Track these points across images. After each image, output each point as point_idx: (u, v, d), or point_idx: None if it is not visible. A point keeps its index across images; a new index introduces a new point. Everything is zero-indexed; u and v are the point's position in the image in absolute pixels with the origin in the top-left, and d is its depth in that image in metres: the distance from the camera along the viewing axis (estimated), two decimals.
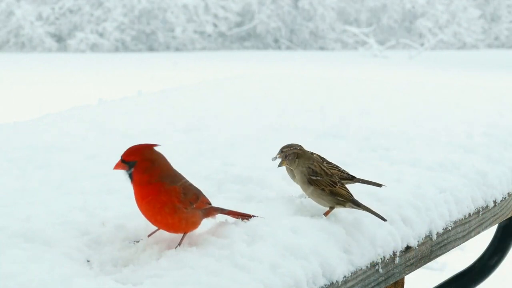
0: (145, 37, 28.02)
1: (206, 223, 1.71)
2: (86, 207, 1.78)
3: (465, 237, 2.19)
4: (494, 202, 2.32)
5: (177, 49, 27.82)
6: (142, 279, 1.48)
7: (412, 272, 1.98)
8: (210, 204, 1.68)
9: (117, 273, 1.51)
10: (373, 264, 1.78)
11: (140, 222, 1.69)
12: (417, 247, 1.95)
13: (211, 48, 28.43)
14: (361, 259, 1.75)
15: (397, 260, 1.87)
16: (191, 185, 1.65)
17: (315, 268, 1.62)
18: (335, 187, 1.80)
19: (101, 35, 27.44)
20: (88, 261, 1.55)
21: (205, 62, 21.79)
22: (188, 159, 2.32)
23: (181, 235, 1.62)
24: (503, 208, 2.40)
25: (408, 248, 1.91)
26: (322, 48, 29.28)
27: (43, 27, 27.25)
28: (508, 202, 2.43)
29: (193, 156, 2.36)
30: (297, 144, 1.89)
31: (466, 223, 2.17)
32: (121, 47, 27.63)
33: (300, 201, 1.89)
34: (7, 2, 27.02)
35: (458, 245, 2.16)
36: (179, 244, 1.60)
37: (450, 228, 2.08)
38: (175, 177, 1.63)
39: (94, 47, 27.16)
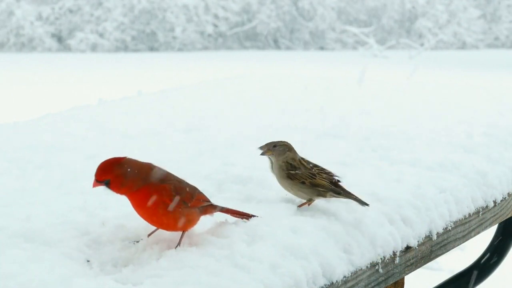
0: (145, 37, 28.03)
1: (206, 223, 1.71)
2: (86, 207, 1.78)
3: (465, 237, 2.19)
4: (494, 202, 2.32)
5: (177, 49, 27.82)
6: (142, 279, 1.48)
7: (412, 272, 1.98)
8: (208, 201, 1.68)
9: (117, 273, 1.51)
10: (373, 264, 1.79)
11: (140, 222, 1.69)
12: (417, 247, 1.95)
13: (211, 48, 28.44)
14: (361, 259, 1.74)
15: (397, 260, 1.87)
16: (183, 183, 1.65)
17: (315, 268, 1.62)
18: (315, 178, 1.83)
19: (101, 35, 27.44)
20: (88, 261, 1.55)
21: (205, 62, 21.80)
22: (188, 159, 2.32)
23: (180, 233, 1.62)
24: (503, 208, 2.40)
25: (408, 248, 1.91)
26: (322, 48, 29.28)
27: (43, 27, 27.26)
28: (508, 202, 2.43)
29: (193, 156, 2.36)
30: (287, 142, 1.91)
31: (466, 223, 2.17)
32: (121, 47, 27.63)
33: (300, 201, 1.89)
34: (7, 2, 27.03)
35: (458, 245, 2.16)
36: (179, 244, 1.60)
37: (450, 228, 2.08)
38: (165, 176, 1.63)
39: (94, 47, 27.16)
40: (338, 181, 1.86)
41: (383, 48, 26.46)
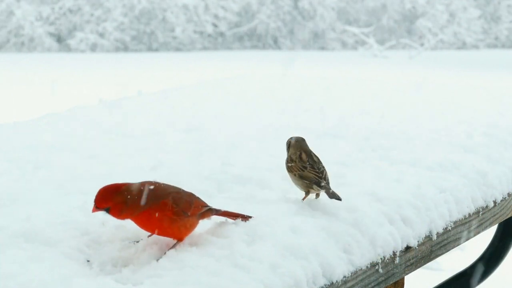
0: (145, 37, 28.02)
1: (206, 223, 1.71)
2: (86, 207, 1.78)
3: (465, 237, 2.19)
4: (494, 202, 2.32)
5: (177, 49, 27.82)
6: (142, 279, 1.48)
7: (412, 272, 1.98)
8: (206, 206, 1.68)
9: (117, 273, 1.51)
10: (373, 264, 1.78)
11: None
12: (417, 247, 1.95)
13: (211, 48, 28.44)
14: (361, 259, 1.74)
15: (397, 260, 1.87)
16: (180, 193, 1.65)
17: (315, 268, 1.62)
18: (303, 171, 1.86)
19: (101, 35, 27.44)
20: (88, 261, 1.55)
21: (205, 62, 21.79)
22: (188, 159, 2.32)
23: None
24: (503, 208, 2.40)
25: (408, 248, 1.91)
26: (322, 48, 29.28)
27: (43, 27, 27.26)
28: (508, 202, 2.43)
29: (193, 156, 2.36)
30: (299, 137, 1.95)
31: (466, 223, 2.17)
32: (121, 47, 27.63)
33: (300, 201, 1.89)
34: (7, 2, 27.03)
35: (458, 245, 2.16)
36: (173, 247, 1.60)
37: (450, 228, 2.08)
38: (162, 191, 1.63)
39: (94, 47, 27.16)
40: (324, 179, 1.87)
41: (383, 48, 26.46)
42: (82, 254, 1.56)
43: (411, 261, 1.94)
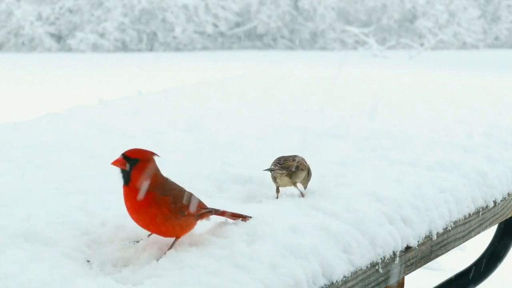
0: (145, 37, 28.03)
1: (206, 224, 1.71)
2: (86, 207, 1.78)
3: (465, 237, 2.19)
4: (494, 202, 2.32)
5: (177, 49, 27.82)
6: (142, 279, 1.48)
7: (412, 272, 1.98)
8: (205, 208, 1.67)
9: (117, 273, 1.51)
10: (373, 264, 1.79)
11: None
12: (417, 247, 1.95)
13: (211, 48, 28.44)
14: (361, 259, 1.75)
15: (397, 260, 1.87)
16: (182, 191, 1.64)
17: (315, 268, 1.62)
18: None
19: (101, 35, 27.44)
20: (88, 261, 1.55)
21: (205, 62, 21.79)
22: (188, 159, 2.32)
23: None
24: (503, 208, 2.40)
25: (408, 248, 1.91)
26: (322, 48, 29.29)
27: (43, 27, 27.25)
28: (508, 202, 2.43)
29: (193, 156, 2.36)
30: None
31: (466, 223, 2.17)
32: (121, 47, 27.63)
33: (300, 201, 1.89)
34: (7, 2, 27.03)
35: (458, 245, 2.16)
36: (171, 247, 1.60)
37: (450, 228, 2.08)
38: (166, 186, 1.62)
39: (94, 47, 27.16)
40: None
41: (383, 48, 26.46)
42: (82, 254, 1.56)
43: (411, 261, 1.94)
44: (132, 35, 27.74)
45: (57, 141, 2.54)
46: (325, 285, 1.63)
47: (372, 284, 1.79)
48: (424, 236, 1.98)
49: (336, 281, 1.66)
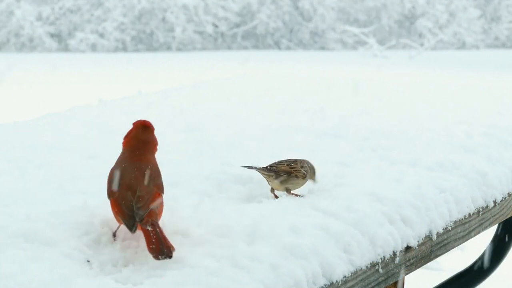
0: (145, 37, 28.02)
1: (206, 224, 1.71)
2: (86, 207, 1.78)
3: (465, 237, 2.19)
4: (494, 202, 2.32)
5: (177, 49, 27.82)
6: (142, 279, 1.48)
7: (412, 272, 1.98)
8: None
9: (117, 273, 1.51)
10: (373, 264, 1.79)
11: None
12: (417, 247, 1.95)
13: (211, 48, 28.44)
14: (361, 259, 1.75)
15: (397, 260, 1.87)
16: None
17: (315, 268, 1.62)
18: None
19: (101, 35, 27.44)
20: (88, 261, 1.55)
21: (205, 62, 21.79)
22: (188, 159, 2.32)
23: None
24: (503, 208, 2.40)
25: (408, 248, 1.91)
26: (322, 48, 29.29)
27: (43, 27, 27.25)
28: (508, 202, 2.43)
29: (193, 156, 2.36)
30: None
31: (466, 223, 2.17)
32: (121, 47, 27.63)
33: (300, 201, 1.89)
34: (7, 2, 27.03)
35: (458, 245, 2.16)
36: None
37: (450, 228, 2.08)
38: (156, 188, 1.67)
39: (94, 47, 27.16)
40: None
41: (383, 48, 26.46)
42: (82, 254, 1.56)
43: (411, 261, 1.94)
44: (132, 35, 27.74)
45: (57, 141, 2.54)
46: (325, 285, 1.63)
47: (372, 284, 1.79)
48: (424, 236, 1.98)
49: (336, 281, 1.66)
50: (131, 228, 1.58)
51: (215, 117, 3.01)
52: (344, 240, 1.74)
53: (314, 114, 3.05)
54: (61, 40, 27.77)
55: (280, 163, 1.96)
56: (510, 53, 28.53)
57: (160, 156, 2.31)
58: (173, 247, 1.53)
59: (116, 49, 27.47)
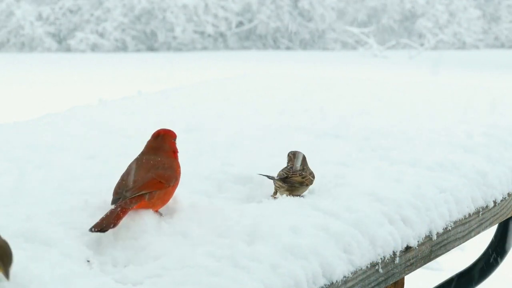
0: (145, 37, 28.03)
1: (206, 223, 1.71)
2: (86, 207, 1.78)
3: (465, 237, 2.19)
4: (494, 202, 2.32)
5: (177, 49, 27.82)
6: (142, 279, 1.48)
7: (412, 272, 1.98)
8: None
9: (117, 273, 1.51)
10: (373, 264, 1.79)
11: (141, 222, 1.69)
12: (417, 247, 1.95)
13: (211, 48, 28.44)
14: (361, 259, 1.75)
15: (397, 260, 1.87)
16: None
17: (315, 268, 1.62)
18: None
19: (101, 35, 27.44)
20: (88, 261, 1.55)
21: (205, 62, 21.79)
22: (188, 159, 2.32)
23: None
24: (503, 208, 2.40)
25: (408, 248, 1.91)
26: (322, 48, 29.29)
27: (43, 27, 27.26)
28: (508, 202, 2.43)
29: (193, 156, 2.36)
30: (290, 153, 2.05)
31: (466, 223, 2.17)
32: (121, 47, 27.64)
33: (300, 201, 1.89)
34: (7, 2, 27.03)
35: (458, 245, 2.16)
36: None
37: (450, 228, 2.08)
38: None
39: (94, 47, 27.16)
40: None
41: (383, 48, 26.46)
42: (82, 254, 1.56)
43: (411, 261, 1.94)
44: (132, 35, 27.75)
45: (57, 141, 2.54)
46: (325, 285, 1.63)
47: (372, 284, 1.79)
48: (424, 236, 1.98)
49: (336, 281, 1.66)
50: (112, 203, 1.70)
51: (215, 117, 3.01)
52: (344, 240, 1.74)
53: (314, 114, 3.05)
54: (61, 40, 27.77)
55: (293, 173, 1.97)
56: (510, 53, 28.53)
57: None
58: (114, 224, 1.61)
59: (116, 49, 27.47)
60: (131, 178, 1.73)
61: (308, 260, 1.62)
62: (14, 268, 1.45)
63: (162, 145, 1.84)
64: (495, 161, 2.45)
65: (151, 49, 27.90)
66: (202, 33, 28.33)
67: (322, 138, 2.61)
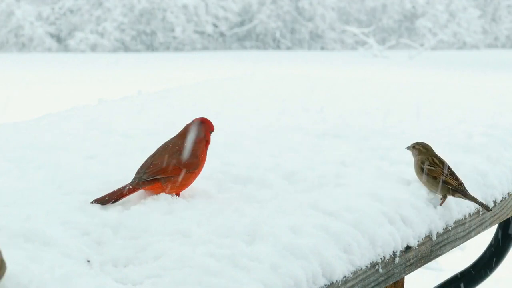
0: (145, 37, 28.03)
1: (206, 223, 1.71)
2: (86, 207, 1.78)
3: (465, 237, 2.19)
4: (494, 202, 2.32)
5: (177, 49, 27.82)
6: (142, 279, 1.48)
7: (412, 272, 1.98)
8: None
9: (117, 273, 1.51)
10: (373, 264, 1.79)
11: (141, 222, 1.69)
12: (417, 247, 1.95)
13: (211, 48, 28.44)
14: (361, 259, 1.74)
15: (397, 260, 1.87)
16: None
17: (315, 268, 1.62)
18: (446, 176, 2.04)
19: (101, 35, 27.45)
20: (88, 261, 1.55)
21: (205, 62, 21.79)
22: None
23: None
24: (503, 208, 2.40)
25: (408, 248, 1.91)
26: (322, 48, 29.29)
27: (43, 27, 27.26)
28: (508, 202, 2.43)
29: None
30: (426, 144, 2.12)
31: (466, 223, 2.17)
32: (121, 47, 27.64)
33: (300, 201, 1.89)
34: (7, 2, 27.03)
35: (458, 245, 2.16)
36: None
37: (450, 228, 2.08)
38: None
39: (94, 47, 27.17)
40: (462, 184, 2.07)
41: (383, 48, 26.46)
42: (82, 254, 1.56)
43: (411, 261, 1.94)
44: (132, 35, 27.75)
45: (57, 141, 2.54)
46: (325, 285, 1.63)
47: (372, 284, 1.79)
48: (424, 236, 1.98)
49: (336, 281, 1.66)
50: (131, 182, 1.82)
51: (215, 117, 3.01)
52: (344, 240, 1.74)
53: (314, 114, 3.05)
54: (61, 40, 27.77)
55: (451, 174, 2.06)
56: (510, 53, 28.53)
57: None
58: (116, 200, 1.75)
59: (116, 49, 27.47)
60: (153, 161, 1.81)
61: (308, 260, 1.62)
62: (14, 268, 1.45)
63: (198, 132, 1.90)
64: (495, 161, 2.45)
65: (151, 49, 27.90)
66: (202, 33, 28.33)
67: (322, 138, 2.61)
